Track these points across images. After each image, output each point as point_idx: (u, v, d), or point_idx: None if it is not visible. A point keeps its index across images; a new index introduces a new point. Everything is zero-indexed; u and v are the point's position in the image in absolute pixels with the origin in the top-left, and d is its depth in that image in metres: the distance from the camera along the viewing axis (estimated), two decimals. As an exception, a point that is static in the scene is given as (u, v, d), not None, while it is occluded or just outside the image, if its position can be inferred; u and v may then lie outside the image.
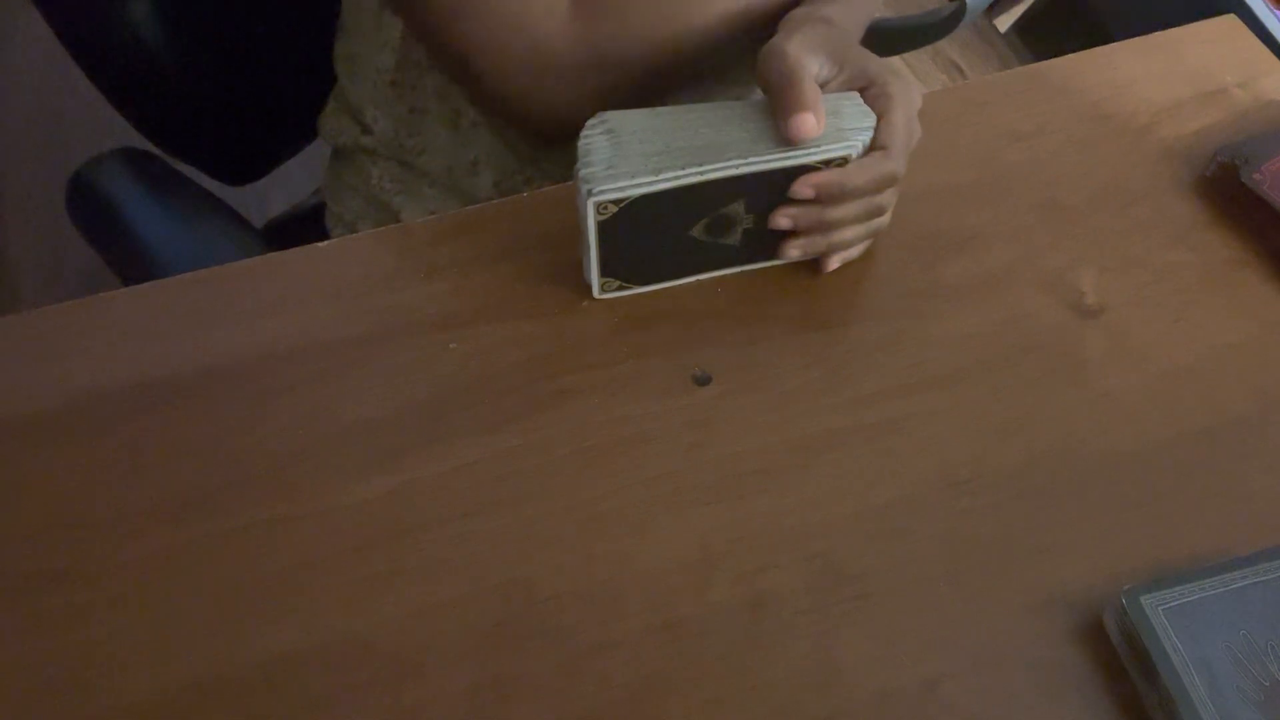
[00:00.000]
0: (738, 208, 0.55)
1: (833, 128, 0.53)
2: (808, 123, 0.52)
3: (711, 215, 0.55)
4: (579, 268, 0.58)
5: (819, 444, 0.54)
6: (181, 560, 0.49)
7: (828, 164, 0.54)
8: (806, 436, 0.54)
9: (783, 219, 0.56)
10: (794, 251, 0.58)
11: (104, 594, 0.48)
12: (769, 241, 0.58)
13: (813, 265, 0.59)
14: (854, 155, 0.54)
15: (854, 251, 0.60)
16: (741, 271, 0.60)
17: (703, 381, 0.56)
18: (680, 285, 0.59)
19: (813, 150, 0.53)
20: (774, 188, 0.54)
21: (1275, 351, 0.59)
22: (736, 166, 0.52)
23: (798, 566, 0.50)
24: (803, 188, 0.54)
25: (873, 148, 0.55)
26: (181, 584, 0.48)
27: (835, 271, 0.60)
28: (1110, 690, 0.48)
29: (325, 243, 0.60)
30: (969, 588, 0.50)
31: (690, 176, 0.52)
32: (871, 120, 0.54)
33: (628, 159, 0.52)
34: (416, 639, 0.48)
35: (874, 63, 0.56)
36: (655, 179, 0.52)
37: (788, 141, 0.53)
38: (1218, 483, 0.54)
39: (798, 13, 0.60)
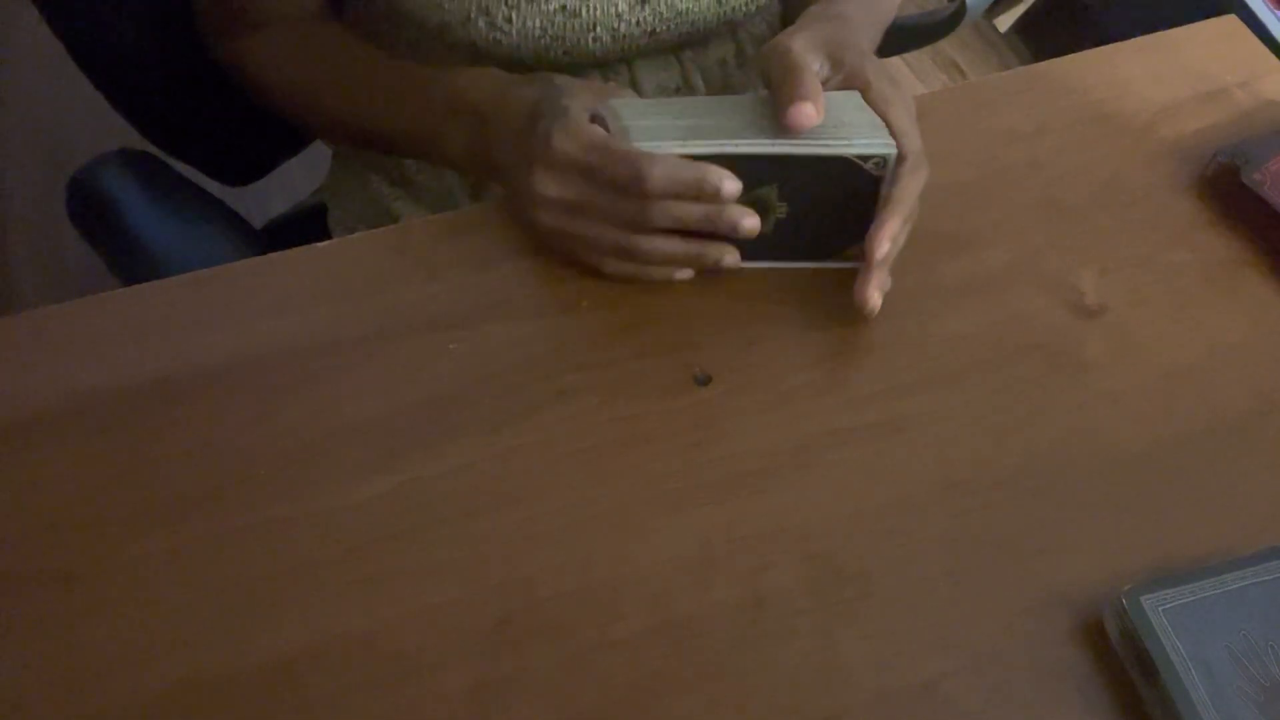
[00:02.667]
0: (770, 193, 0.54)
1: (837, 121, 0.53)
2: (806, 111, 0.52)
3: (744, 197, 0.54)
4: (579, 267, 0.58)
5: (819, 444, 0.54)
6: (181, 560, 0.49)
7: (865, 159, 0.53)
8: (806, 436, 0.54)
9: (875, 292, 0.55)
10: (876, 296, 0.56)
11: (104, 594, 0.48)
12: (805, 239, 0.57)
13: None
14: (892, 155, 0.53)
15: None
16: (774, 268, 0.59)
17: (703, 381, 0.56)
18: (680, 285, 0.59)
19: (851, 141, 0.53)
20: (807, 176, 0.53)
21: (1275, 351, 0.59)
22: (771, 146, 0.51)
23: (798, 566, 0.50)
24: (881, 244, 0.54)
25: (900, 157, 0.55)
26: (181, 584, 0.48)
27: (835, 271, 0.59)
28: (1110, 690, 0.48)
29: (325, 243, 0.60)
30: (969, 588, 0.50)
31: (724, 147, 0.51)
32: (877, 119, 0.54)
33: (654, 130, 0.51)
34: (416, 639, 0.48)
35: (872, 66, 0.57)
36: (685, 144, 0.51)
37: (787, 130, 0.52)
38: (1218, 483, 0.54)
39: (814, 9, 0.60)
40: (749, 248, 0.58)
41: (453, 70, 0.63)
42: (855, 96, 0.55)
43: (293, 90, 0.71)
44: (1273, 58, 0.72)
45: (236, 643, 0.47)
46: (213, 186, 0.84)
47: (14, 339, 0.55)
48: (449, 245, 0.60)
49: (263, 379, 0.54)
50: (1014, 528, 0.52)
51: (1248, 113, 0.69)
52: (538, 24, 0.64)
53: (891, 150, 0.54)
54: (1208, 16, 0.74)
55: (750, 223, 0.53)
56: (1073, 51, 0.72)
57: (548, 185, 0.55)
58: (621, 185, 0.53)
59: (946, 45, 1.86)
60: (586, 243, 0.56)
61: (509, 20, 0.64)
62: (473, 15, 0.64)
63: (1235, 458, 0.55)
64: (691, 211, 0.54)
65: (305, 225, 0.95)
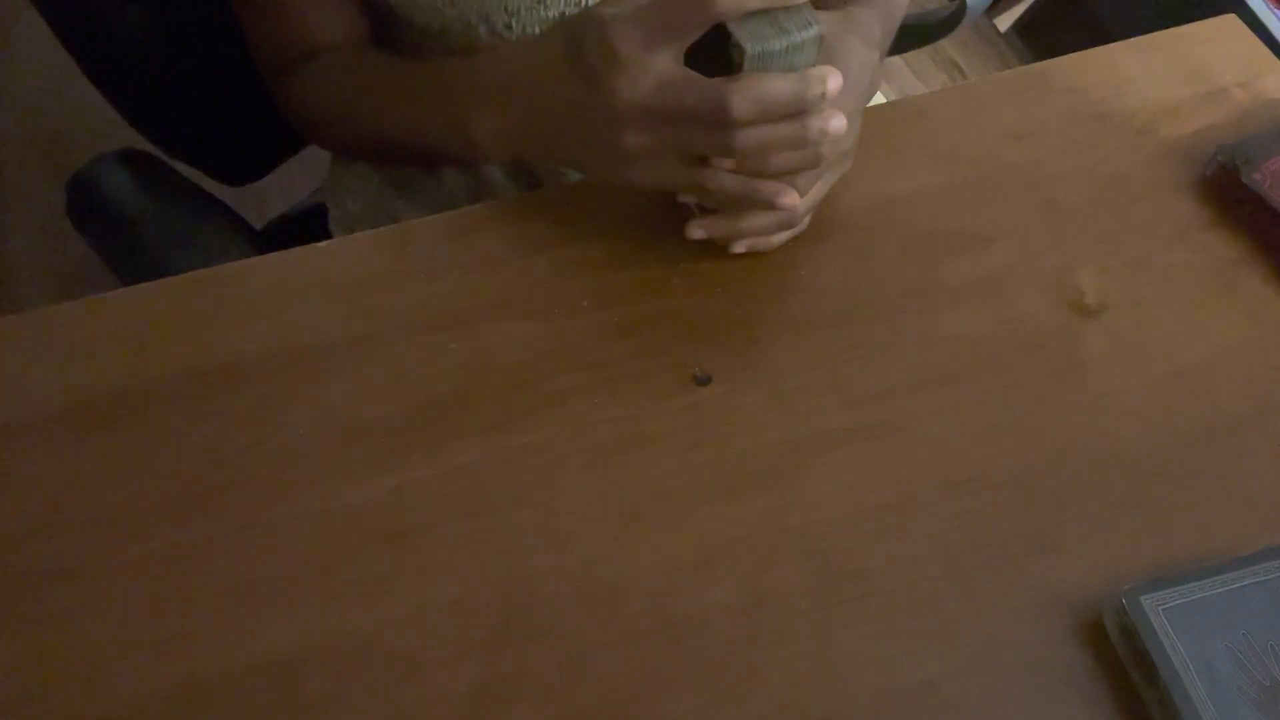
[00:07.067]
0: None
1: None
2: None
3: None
4: (579, 267, 0.58)
5: (819, 444, 0.54)
6: (181, 560, 0.49)
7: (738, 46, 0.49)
8: (806, 436, 0.54)
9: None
10: (699, 232, 0.56)
11: (104, 594, 0.48)
12: None
13: (813, 265, 0.60)
14: (750, 51, 0.49)
15: (770, 241, 0.58)
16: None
17: (703, 381, 0.56)
18: (680, 284, 0.59)
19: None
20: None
21: (1275, 351, 0.59)
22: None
23: (798, 566, 0.50)
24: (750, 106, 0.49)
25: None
26: (181, 584, 0.49)
27: (835, 271, 0.60)
28: (1110, 690, 0.48)
29: (325, 243, 0.60)
30: (969, 587, 0.50)
31: None
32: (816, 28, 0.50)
33: None
34: (416, 639, 0.48)
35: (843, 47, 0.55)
36: None
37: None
38: (1218, 483, 0.54)
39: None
40: None
41: (469, 58, 0.61)
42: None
43: (340, 117, 0.69)
44: (1273, 57, 0.72)
45: (236, 643, 0.47)
46: (213, 186, 0.84)
47: (14, 339, 0.55)
48: (449, 245, 0.60)
49: (262, 378, 0.54)
50: (1014, 528, 0.52)
51: (1248, 113, 0.69)
52: (538, 31, 0.64)
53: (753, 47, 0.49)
54: (1208, 16, 0.74)
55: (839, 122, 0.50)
56: (1073, 51, 0.72)
57: (632, 139, 0.52)
58: (705, 118, 0.50)
59: (946, 45, 1.86)
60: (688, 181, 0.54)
61: (509, 27, 0.64)
62: (473, 21, 0.63)
63: (1235, 458, 0.55)
64: (779, 131, 0.50)
65: (305, 225, 0.95)
